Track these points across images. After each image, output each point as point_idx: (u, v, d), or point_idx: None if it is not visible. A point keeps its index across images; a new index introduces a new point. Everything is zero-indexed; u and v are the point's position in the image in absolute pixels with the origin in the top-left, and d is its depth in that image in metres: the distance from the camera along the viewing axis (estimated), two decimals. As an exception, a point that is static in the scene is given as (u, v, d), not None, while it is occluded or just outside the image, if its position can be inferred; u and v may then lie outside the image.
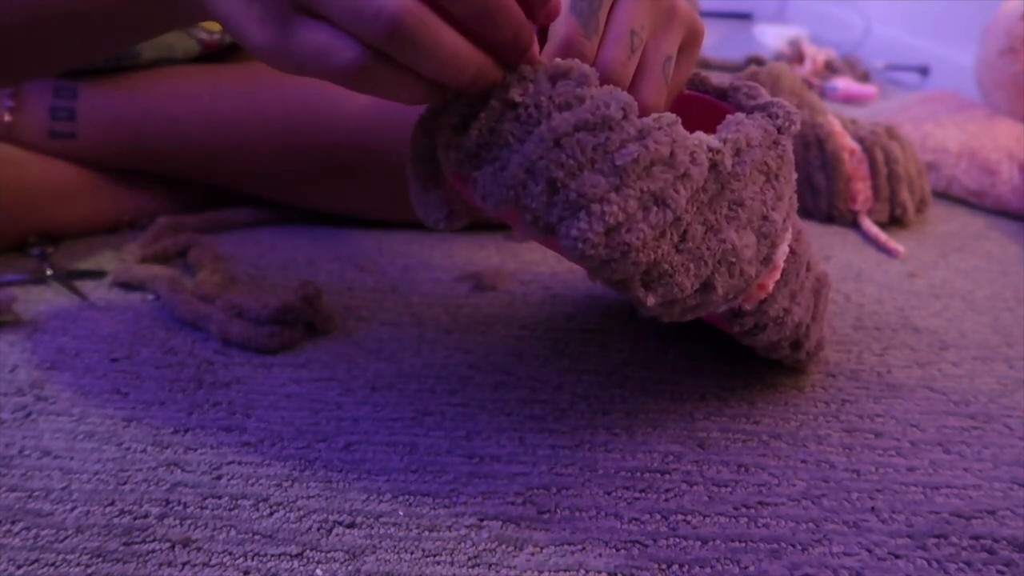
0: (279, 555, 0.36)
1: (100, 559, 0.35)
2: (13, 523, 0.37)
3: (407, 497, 0.40)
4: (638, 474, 0.42)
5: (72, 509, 0.38)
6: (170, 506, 0.38)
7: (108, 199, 0.66)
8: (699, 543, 0.38)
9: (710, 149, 0.38)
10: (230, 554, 0.36)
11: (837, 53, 1.47)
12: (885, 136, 0.78)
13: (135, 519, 0.37)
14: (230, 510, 0.38)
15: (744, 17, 2.14)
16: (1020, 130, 0.90)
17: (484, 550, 0.37)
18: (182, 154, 0.65)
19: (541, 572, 0.36)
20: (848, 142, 0.77)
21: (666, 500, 0.40)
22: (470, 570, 0.36)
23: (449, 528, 0.38)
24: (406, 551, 0.36)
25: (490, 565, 0.36)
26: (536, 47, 0.36)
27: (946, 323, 0.59)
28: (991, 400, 0.50)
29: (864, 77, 1.38)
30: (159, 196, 0.68)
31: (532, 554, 0.37)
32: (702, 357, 0.53)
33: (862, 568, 0.37)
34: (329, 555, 0.36)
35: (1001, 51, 0.94)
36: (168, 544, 0.36)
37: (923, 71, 1.41)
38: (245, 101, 0.65)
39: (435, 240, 0.68)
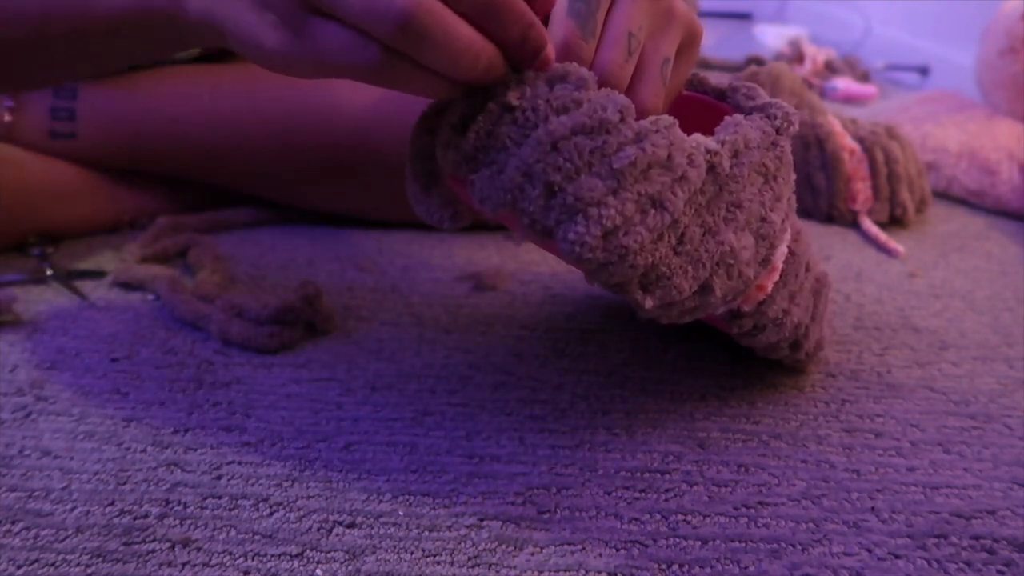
0: (279, 555, 0.36)
1: (100, 559, 0.35)
2: (13, 523, 0.37)
3: (407, 497, 0.40)
4: (638, 474, 0.42)
5: (72, 509, 0.38)
6: (170, 506, 0.38)
7: (108, 199, 0.66)
8: (699, 543, 0.38)
9: (708, 151, 0.38)
10: (230, 554, 0.36)
11: (837, 53, 1.47)
12: (885, 136, 0.78)
13: (135, 519, 0.37)
14: (230, 510, 0.38)
15: (744, 17, 2.14)
16: (1020, 130, 0.90)
17: (484, 550, 0.37)
18: (182, 154, 0.65)
19: (541, 572, 0.36)
20: (848, 142, 0.77)
21: (666, 500, 0.40)
22: (470, 570, 0.36)
23: (449, 528, 0.38)
24: (406, 551, 0.36)
25: (490, 565, 0.36)
26: (551, 49, 0.36)
27: (946, 323, 0.59)
28: (991, 400, 0.50)
29: (864, 77, 1.38)
30: (159, 196, 0.68)
31: (532, 554, 0.37)
32: (702, 357, 0.53)
33: (862, 568, 0.37)
34: (329, 555, 0.36)
35: (1001, 51, 0.94)
36: (168, 544, 0.36)
37: (923, 71, 1.41)
38: (245, 101, 0.65)
39: (435, 240, 0.68)
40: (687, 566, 0.36)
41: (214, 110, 0.64)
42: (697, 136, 0.38)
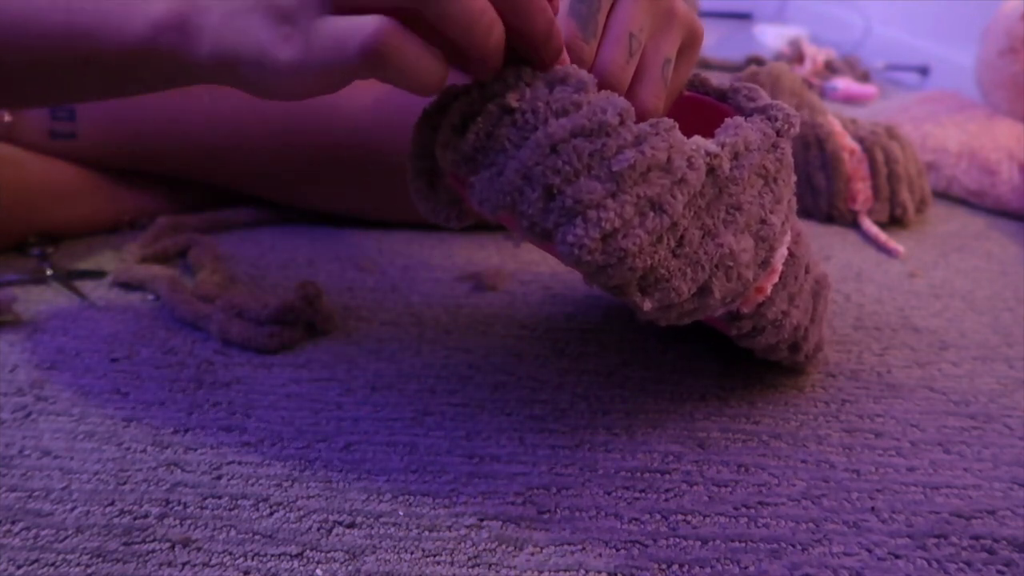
0: (279, 555, 0.36)
1: (100, 559, 0.35)
2: (13, 523, 0.37)
3: (407, 497, 0.40)
4: (638, 474, 0.42)
5: (72, 509, 0.38)
6: (170, 506, 0.38)
7: (108, 199, 0.66)
8: (699, 543, 0.38)
9: (708, 154, 0.38)
10: (230, 554, 0.36)
11: (837, 53, 1.47)
12: (885, 136, 0.78)
13: (135, 519, 0.37)
14: (230, 510, 0.38)
15: (744, 17, 2.14)
16: (1020, 130, 0.90)
17: (484, 550, 0.37)
18: (182, 154, 0.65)
19: (541, 572, 0.36)
20: (848, 142, 0.77)
21: (666, 500, 0.40)
22: (470, 570, 0.36)
23: (449, 528, 0.38)
24: (406, 551, 0.36)
25: (490, 565, 0.36)
26: (567, 53, 0.37)
27: (946, 323, 0.59)
28: (991, 400, 0.50)
29: (864, 77, 1.38)
30: (159, 196, 0.68)
31: (532, 554, 0.37)
32: (702, 357, 0.53)
33: (862, 568, 0.37)
34: (329, 555, 0.36)
35: (1001, 51, 0.94)
36: (168, 544, 0.36)
37: (923, 71, 1.41)
38: (245, 101, 0.65)
39: (435, 240, 0.68)
40: (687, 566, 0.36)
41: (214, 110, 0.64)
42: (697, 139, 0.38)
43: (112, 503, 0.38)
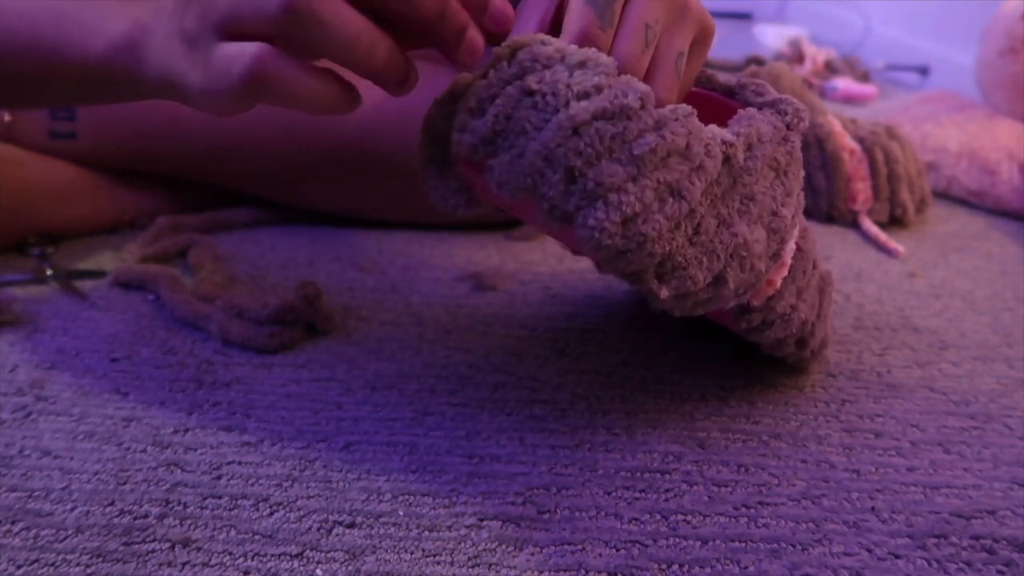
0: (279, 555, 0.36)
1: (100, 559, 0.35)
2: (13, 523, 0.37)
3: (407, 497, 0.40)
4: (638, 474, 0.42)
5: (72, 509, 0.38)
6: (170, 506, 0.38)
7: (108, 199, 0.66)
8: (699, 543, 0.38)
9: (724, 142, 0.38)
10: (230, 554, 0.36)
11: (837, 53, 1.47)
12: (885, 136, 0.78)
13: (135, 519, 0.37)
14: (230, 510, 0.38)
15: (744, 17, 2.14)
16: (1020, 130, 0.90)
17: (484, 550, 0.37)
18: (182, 154, 0.65)
19: (541, 572, 0.36)
20: (848, 142, 0.77)
21: (666, 500, 0.40)
22: (470, 570, 0.36)
23: (449, 528, 0.38)
24: (406, 551, 0.36)
25: (490, 565, 0.36)
26: (477, 37, 0.37)
27: (946, 323, 0.59)
28: (991, 400, 0.50)
29: (864, 77, 1.38)
30: (159, 196, 0.68)
31: (532, 554, 0.37)
32: (702, 357, 0.53)
33: (862, 568, 0.37)
34: (329, 555, 0.36)
35: (1001, 51, 0.94)
36: (168, 544, 0.36)
37: (923, 71, 1.41)
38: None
39: (435, 240, 0.68)
40: (687, 566, 0.36)
41: (214, 110, 0.64)
42: (713, 127, 0.38)
43: (112, 503, 0.38)
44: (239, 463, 0.41)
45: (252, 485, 0.40)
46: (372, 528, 0.38)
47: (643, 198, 0.35)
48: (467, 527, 0.38)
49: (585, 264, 0.65)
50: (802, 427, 0.46)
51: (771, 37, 1.64)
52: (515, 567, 0.36)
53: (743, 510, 0.40)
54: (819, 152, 0.77)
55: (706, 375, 0.51)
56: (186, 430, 0.44)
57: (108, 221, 0.66)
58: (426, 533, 0.37)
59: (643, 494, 0.41)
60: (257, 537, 0.37)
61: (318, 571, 0.35)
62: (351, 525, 0.38)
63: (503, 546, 0.37)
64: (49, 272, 0.58)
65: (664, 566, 0.36)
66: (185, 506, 0.38)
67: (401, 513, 0.39)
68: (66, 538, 0.36)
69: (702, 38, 0.42)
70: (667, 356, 0.53)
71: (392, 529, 0.38)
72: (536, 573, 0.36)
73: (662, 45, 0.40)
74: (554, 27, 0.39)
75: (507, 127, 0.36)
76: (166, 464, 0.41)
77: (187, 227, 0.66)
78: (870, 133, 0.78)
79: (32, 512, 0.38)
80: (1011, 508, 0.41)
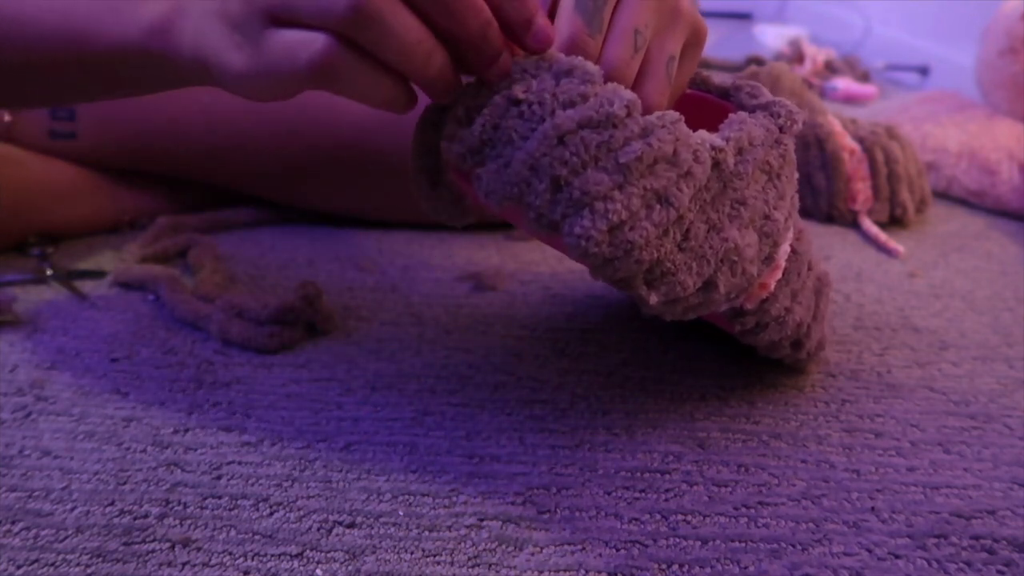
0: (279, 555, 0.36)
1: (100, 559, 0.35)
2: (13, 523, 0.37)
3: (407, 497, 0.40)
4: (638, 474, 0.42)
5: (72, 509, 0.38)
6: (170, 506, 0.38)
7: (108, 199, 0.66)
8: (699, 543, 0.38)
9: (713, 148, 0.38)
10: (230, 554, 0.36)
11: (837, 53, 1.47)
12: (885, 136, 0.78)
13: (135, 519, 0.37)
14: (230, 510, 0.38)
15: (744, 17, 2.14)
16: (1020, 130, 0.90)
17: (484, 550, 0.37)
18: (182, 154, 0.65)
19: (541, 572, 0.36)
20: (848, 142, 0.77)
21: (666, 500, 0.40)
22: (470, 570, 0.36)
23: (449, 528, 0.38)
24: (406, 551, 0.36)
25: (490, 565, 0.36)
26: (508, 57, 0.37)
27: (946, 323, 0.59)
28: (991, 400, 0.50)
29: (864, 77, 1.38)
30: (159, 196, 0.68)
31: (532, 554, 0.37)
32: (702, 357, 0.53)
33: (862, 568, 0.37)
34: (329, 555, 0.36)
35: (1001, 51, 0.94)
36: (168, 544, 0.36)
37: (923, 71, 1.41)
38: (244, 101, 0.65)
39: (435, 240, 0.68)
40: (687, 566, 0.36)
41: (214, 110, 0.64)
42: (702, 132, 0.38)
43: (112, 503, 0.38)
44: (239, 463, 0.41)
45: (252, 485, 0.40)
46: (372, 528, 0.38)
47: (629, 206, 0.35)
48: (467, 527, 0.38)
49: (585, 264, 0.65)
50: (802, 427, 0.46)
51: (771, 37, 1.64)
52: (515, 567, 0.36)
53: (743, 510, 0.40)
54: (819, 152, 0.77)
55: (706, 375, 0.51)
56: (186, 430, 0.44)
57: (108, 221, 0.66)
58: (426, 533, 0.37)
59: (643, 494, 0.41)
60: (257, 537, 0.37)
61: (318, 571, 0.35)
62: (351, 525, 0.38)
63: (503, 546, 0.37)
64: (49, 272, 0.58)
65: (664, 566, 0.36)
66: (185, 506, 0.38)
67: (401, 513, 0.39)
68: (66, 538, 0.36)
69: (694, 41, 0.42)
70: (667, 356, 0.53)
71: (392, 529, 0.38)
72: (536, 573, 0.36)
73: (653, 49, 0.40)
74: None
75: (494, 136, 0.36)
76: (166, 464, 0.41)
77: (187, 227, 0.66)
78: (870, 133, 0.78)
79: (32, 512, 0.38)
80: (1011, 508, 0.41)
